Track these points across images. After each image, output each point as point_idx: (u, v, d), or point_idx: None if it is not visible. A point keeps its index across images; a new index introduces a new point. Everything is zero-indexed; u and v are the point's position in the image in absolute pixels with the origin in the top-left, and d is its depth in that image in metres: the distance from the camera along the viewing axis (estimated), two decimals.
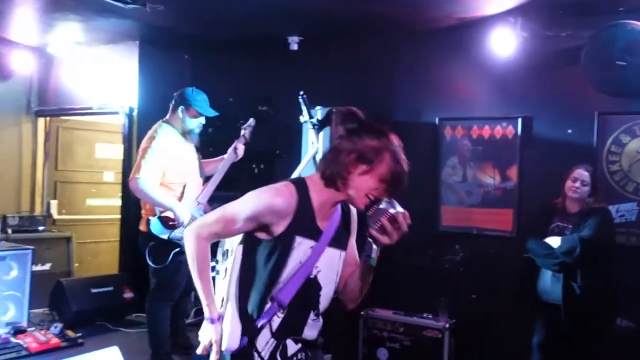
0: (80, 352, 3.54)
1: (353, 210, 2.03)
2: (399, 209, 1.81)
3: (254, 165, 5.55)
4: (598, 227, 3.54)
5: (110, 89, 5.85)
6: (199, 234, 1.85)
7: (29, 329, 4.43)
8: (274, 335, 1.86)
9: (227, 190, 5.43)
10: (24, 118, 6.30)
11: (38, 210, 6.28)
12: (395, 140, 1.89)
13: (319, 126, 4.43)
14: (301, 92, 4.31)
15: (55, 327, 4.40)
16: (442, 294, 4.48)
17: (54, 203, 6.40)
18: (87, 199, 6.50)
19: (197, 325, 4.98)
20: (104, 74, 5.92)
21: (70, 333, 4.37)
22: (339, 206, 1.94)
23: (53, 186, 6.44)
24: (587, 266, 3.54)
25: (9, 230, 5.42)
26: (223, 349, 1.85)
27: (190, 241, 1.85)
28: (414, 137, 4.86)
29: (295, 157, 4.80)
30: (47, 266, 5.53)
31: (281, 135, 5.38)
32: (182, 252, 3.69)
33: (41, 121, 6.41)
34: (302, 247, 1.84)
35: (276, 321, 1.85)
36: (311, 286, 1.88)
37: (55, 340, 4.24)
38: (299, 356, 1.92)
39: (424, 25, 4.66)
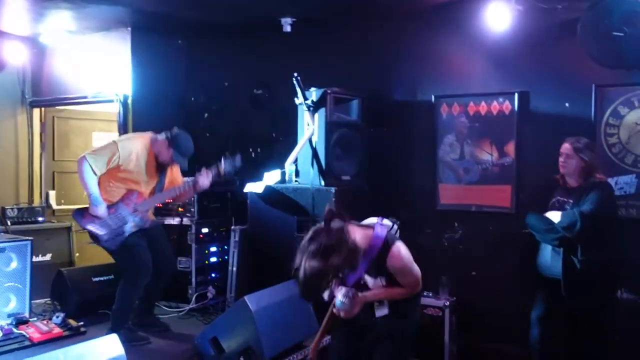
0: (82, 340, 3.54)
1: None
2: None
3: (250, 149, 5.54)
4: (599, 201, 3.52)
5: (105, 77, 5.81)
6: None
7: (31, 320, 4.44)
8: None
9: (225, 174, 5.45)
10: (19, 109, 6.26)
11: (37, 201, 6.27)
12: None
13: (314, 107, 4.42)
14: (295, 74, 4.28)
15: (58, 317, 4.41)
16: (442, 272, 4.48)
17: (52, 193, 6.39)
18: None
19: (199, 310, 5.05)
20: (98, 62, 5.87)
21: (72, 322, 4.38)
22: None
23: (51, 176, 6.42)
24: (587, 240, 3.52)
25: (8, 222, 5.40)
26: None
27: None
28: (410, 115, 4.86)
29: (291, 140, 4.78)
30: (48, 257, 5.53)
31: (277, 118, 5.35)
32: (104, 247, 4.00)
33: (36, 112, 6.37)
34: None
35: None
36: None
37: (57, 330, 4.25)
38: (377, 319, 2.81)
39: (418, 2, 4.60)
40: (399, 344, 2.81)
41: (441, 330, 4.20)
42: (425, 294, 4.36)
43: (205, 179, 4.10)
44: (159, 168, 4.16)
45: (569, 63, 4.23)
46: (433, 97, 4.73)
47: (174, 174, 4.34)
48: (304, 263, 2.42)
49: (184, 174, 4.34)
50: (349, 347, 2.92)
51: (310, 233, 2.52)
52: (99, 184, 4.04)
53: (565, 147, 3.69)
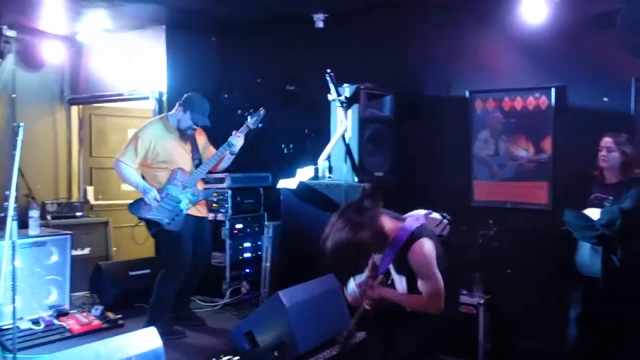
0: (120, 333, 3.62)
1: None
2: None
3: (283, 145, 5.56)
4: (639, 198, 3.44)
5: (140, 75, 5.92)
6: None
7: (71, 312, 4.57)
8: None
9: (259, 170, 5.51)
10: (58, 107, 6.43)
11: (75, 197, 6.43)
12: None
13: (347, 104, 4.42)
14: (328, 70, 4.29)
15: (96, 310, 4.52)
16: (476, 269, 4.43)
17: (90, 189, 6.54)
18: (121, 184, 6.61)
19: (233, 305, 5.10)
20: (133, 60, 5.98)
21: (110, 315, 4.49)
22: None
23: (89, 172, 6.58)
24: (627, 238, 3.44)
25: (48, 217, 5.56)
26: None
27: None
28: (443, 111, 4.82)
29: (324, 136, 4.78)
30: (86, 250, 5.67)
31: (309, 114, 5.36)
32: (164, 230, 4.07)
33: (74, 109, 6.53)
34: None
35: None
36: None
37: (96, 322, 4.37)
38: None
39: None
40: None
41: (475, 328, 4.16)
42: (459, 291, 4.34)
43: (238, 139, 4.25)
44: (184, 137, 4.28)
45: (608, 56, 4.13)
46: (467, 92, 4.67)
47: (202, 142, 4.45)
48: (333, 234, 2.43)
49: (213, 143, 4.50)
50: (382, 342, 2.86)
51: (342, 207, 2.56)
52: (144, 178, 4.21)
53: (607, 140, 3.62)
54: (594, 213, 3.54)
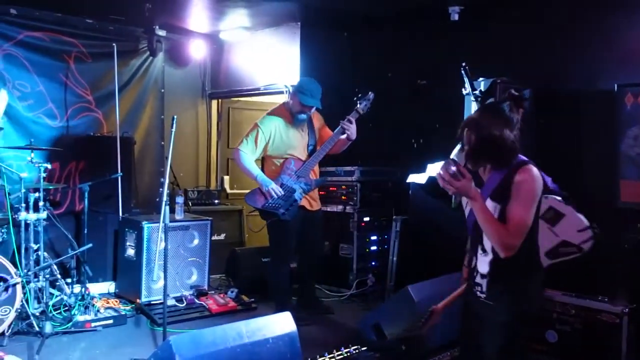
0: (253, 315, 3.82)
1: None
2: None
3: (413, 140, 5.53)
4: None
5: (275, 70, 6.17)
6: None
7: (209, 292, 4.90)
8: (469, 252, 2.53)
9: (386, 165, 5.53)
10: (200, 100, 6.89)
11: (213, 185, 6.87)
12: None
13: (482, 98, 4.29)
14: (463, 64, 4.19)
15: (232, 292, 4.82)
16: (620, 276, 4.12)
17: (226, 178, 6.96)
18: None
19: (358, 296, 5.17)
20: (269, 56, 6.25)
21: (244, 298, 4.76)
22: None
23: (225, 163, 6.99)
24: None
25: (190, 203, 5.99)
26: None
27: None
28: (587, 106, 4.53)
29: (454, 130, 4.67)
30: (222, 236, 6.04)
31: (441, 108, 5.27)
32: (280, 221, 4.14)
33: (214, 103, 6.97)
34: None
35: (468, 244, 2.52)
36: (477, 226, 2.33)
37: (232, 304, 4.65)
38: (478, 288, 2.41)
39: None
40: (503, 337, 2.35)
41: (618, 338, 3.87)
42: (599, 298, 4.07)
43: (349, 125, 4.25)
44: (299, 122, 4.34)
45: None
46: (615, 85, 4.33)
47: (322, 130, 4.51)
48: (479, 123, 2.33)
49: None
50: (463, 330, 2.63)
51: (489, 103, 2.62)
52: (265, 169, 4.36)
53: None
54: None
